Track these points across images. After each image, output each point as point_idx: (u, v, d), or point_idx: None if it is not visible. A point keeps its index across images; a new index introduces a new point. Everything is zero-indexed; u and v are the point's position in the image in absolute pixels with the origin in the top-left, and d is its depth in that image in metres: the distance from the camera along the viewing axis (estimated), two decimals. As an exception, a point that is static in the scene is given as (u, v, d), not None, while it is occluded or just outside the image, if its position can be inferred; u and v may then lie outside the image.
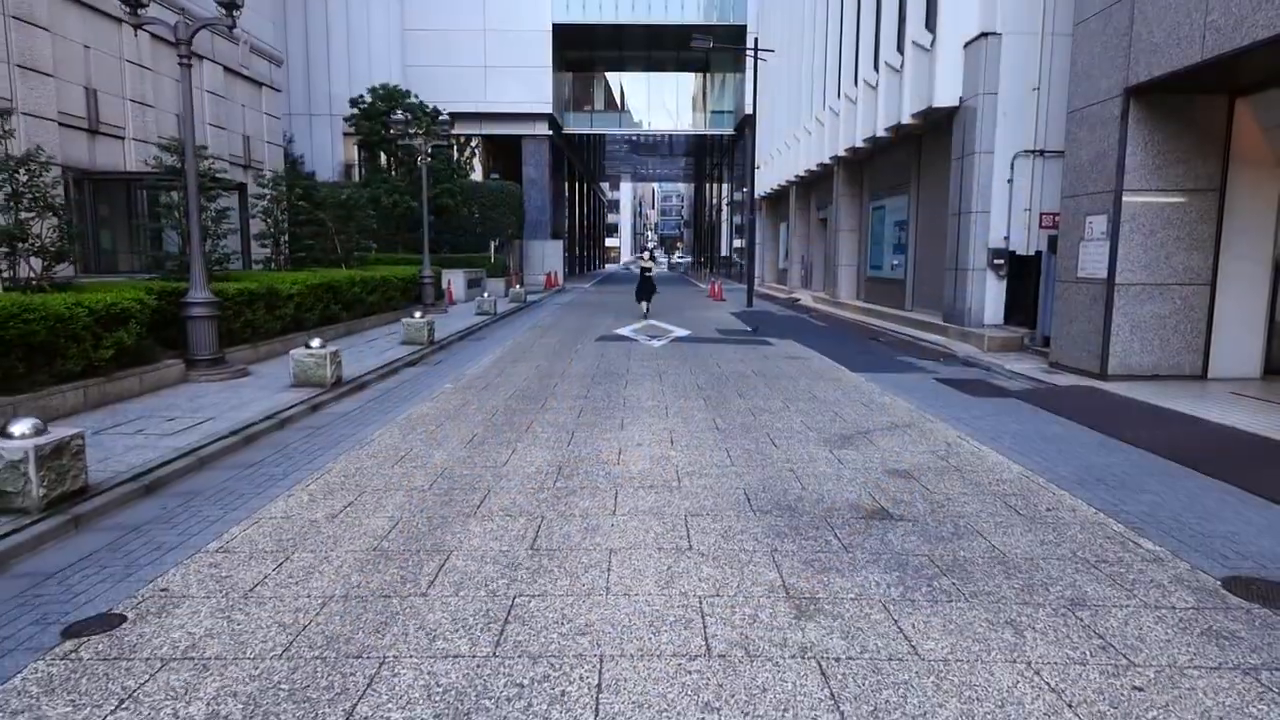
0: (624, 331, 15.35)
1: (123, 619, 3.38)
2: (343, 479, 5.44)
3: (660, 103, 47.53)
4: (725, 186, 47.35)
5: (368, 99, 23.10)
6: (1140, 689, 2.86)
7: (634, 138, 48.29)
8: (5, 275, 7.49)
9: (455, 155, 25.33)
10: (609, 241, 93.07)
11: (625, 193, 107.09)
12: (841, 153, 20.37)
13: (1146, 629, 3.33)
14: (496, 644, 3.16)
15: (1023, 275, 12.66)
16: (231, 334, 9.88)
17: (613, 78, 48.60)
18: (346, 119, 24.27)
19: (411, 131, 20.69)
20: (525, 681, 2.88)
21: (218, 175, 11.93)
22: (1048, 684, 2.89)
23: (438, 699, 2.76)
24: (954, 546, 4.24)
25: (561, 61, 37.36)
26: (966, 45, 13.27)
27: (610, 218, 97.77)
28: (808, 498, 5.07)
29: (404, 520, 4.59)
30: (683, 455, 6.08)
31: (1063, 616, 3.43)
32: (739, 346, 13.13)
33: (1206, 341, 9.38)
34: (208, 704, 2.73)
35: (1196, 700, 2.80)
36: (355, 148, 32.58)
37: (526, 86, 32.84)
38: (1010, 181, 12.80)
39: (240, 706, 2.71)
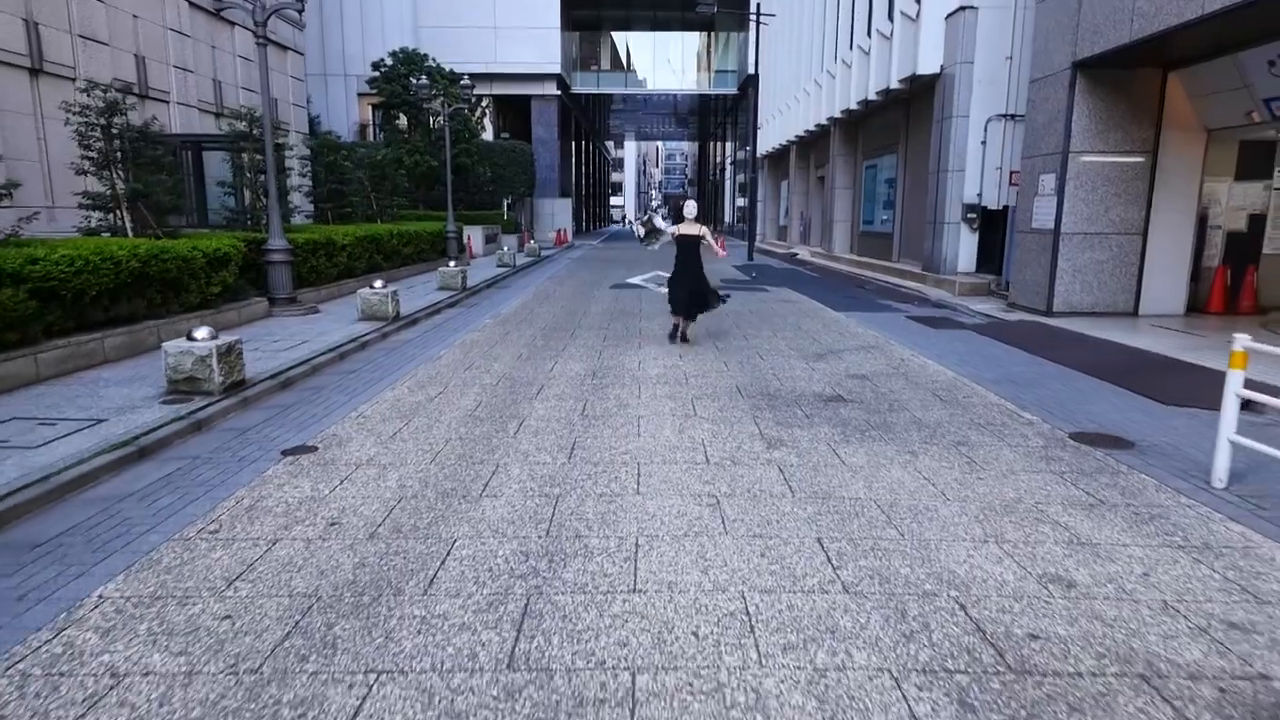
0: (635, 280, 16.91)
1: (314, 448, 5.04)
2: (428, 379, 7.09)
3: (665, 62, 48.11)
4: (729, 145, 48.30)
5: (388, 62, 24.25)
6: (981, 478, 4.51)
7: (639, 97, 49.03)
8: (132, 225, 9.04)
9: (469, 116, 26.51)
10: (613, 200, 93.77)
11: (629, 151, 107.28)
12: (837, 114, 21.62)
13: (1002, 455, 4.97)
14: (569, 456, 4.82)
15: (992, 228, 14.14)
16: (299, 278, 11.45)
17: (619, 37, 49.13)
18: (369, 81, 25.40)
19: (433, 93, 21.93)
20: (591, 473, 4.54)
21: (279, 142, 13.33)
22: (924, 476, 4.54)
23: (539, 480, 4.42)
24: (886, 416, 5.88)
25: (569, 21, 38.09)
26: (948, 17, 14.53)
27: (614, 176, 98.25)
28: (784, 389, 6.71)
29: (485, 401, 6.25)
30: (689, 365, 7.72)
31: (947, 449, 5.07)
32: (738, 293, 14.69)
33: (1138, 284, 10.92)
34: (395, 483, 4.39)
35: (1015, 483, 4.44)
36: (370, 108, 33.72)
37: (536, 47, 33.75)
38: (983, 143, 14.19)
39: (416, 483, 4.37)
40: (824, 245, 24.42)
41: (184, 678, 2.54)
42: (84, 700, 2.42)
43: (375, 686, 2.50)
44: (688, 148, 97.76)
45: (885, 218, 19.66)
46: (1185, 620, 2.93)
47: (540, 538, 3.65)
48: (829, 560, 3.41)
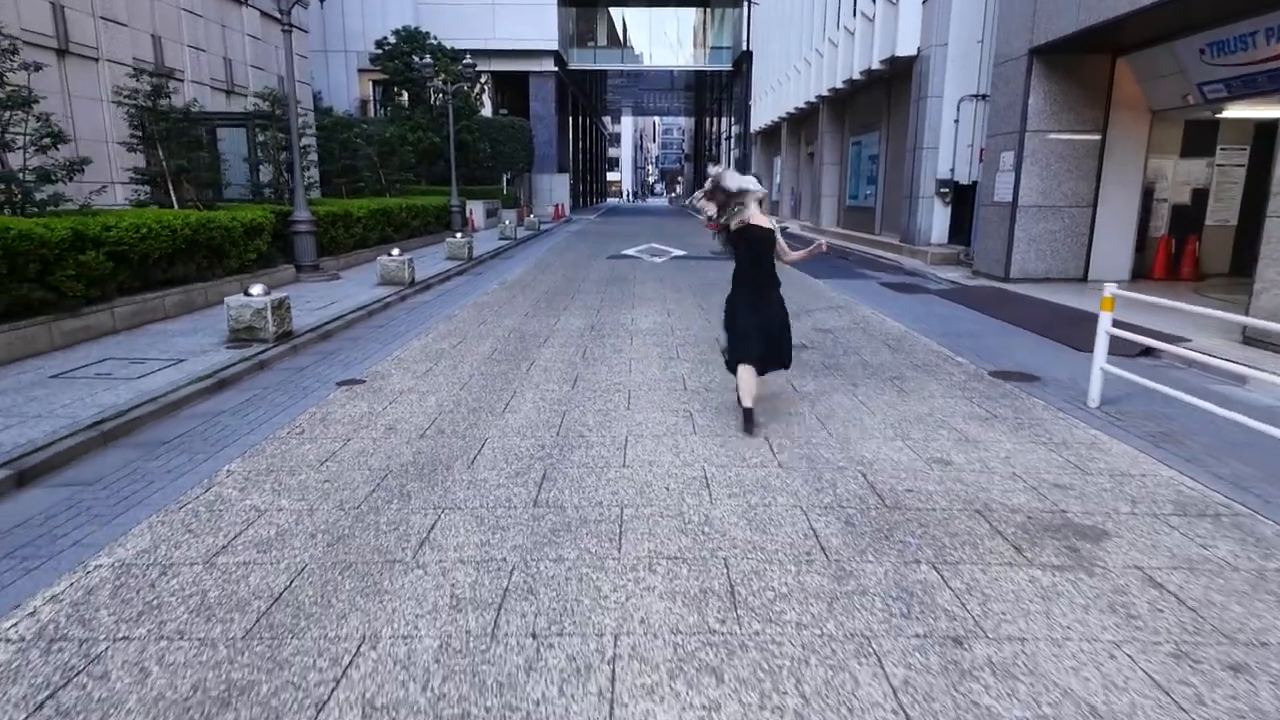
0: (630, 252, 17.92)
1: (363, 381, 6.12)
2: (448, 331, 8.16)
3: (661, 38, 48.64)
4: (725, 121, 48.93)
5: (391, 40, 24.96)
6: (905, 401, 5.60)
7: (635, 73, 49.56)
8: (173, 198, 10.03)
9: (469, 93, 27.25)
10: (610, 175, 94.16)
11: (626, 126, 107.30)
12: (825, 92, 22.48)
13: (928, 386, 6.06)
14: (573, 386, 5.91)
15: (963, 202, 15.14)
16: (320, 248, 12.45)
17: (615, 13, 49.57)
18: (371, 59, 26.11)
19: (435, 71, 22.71)
20: (591, 396, 5.62)
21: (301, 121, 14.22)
22: (859, 400, 5.63)
23: (549, 401, 5.51)
24: (839, 359, 6.96)
25: (566, -3, 38.62)
26: (924, 1, 15.39)
27: (611, 151, 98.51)
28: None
29: (500, 348, 7.32)
30: (676, 321, 8.79)
31: (884, 382, 6.16)
32: (727, 263, 15.69)
33: (1088, 252, 11.97)
34: (434, 404, 5.46)
35: (931, 404, 5.53)
36: (370, 84, 34.37)
37: (533, 24, 34.36)
38: (956, 121, 15.14)
39: (450, 403, 5.45)
40: (813, 219, 25.39)
41: (307, 511, 3.64)
42: (243, 521, 3.52)
43: (442, 515, 3.59)
44: (684, 122, 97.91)
45: (869, 192, 20.63)
46: (1023, 482, 4.04)
47: (552, 436, 4.74)
48: (771, 449, 4.51)
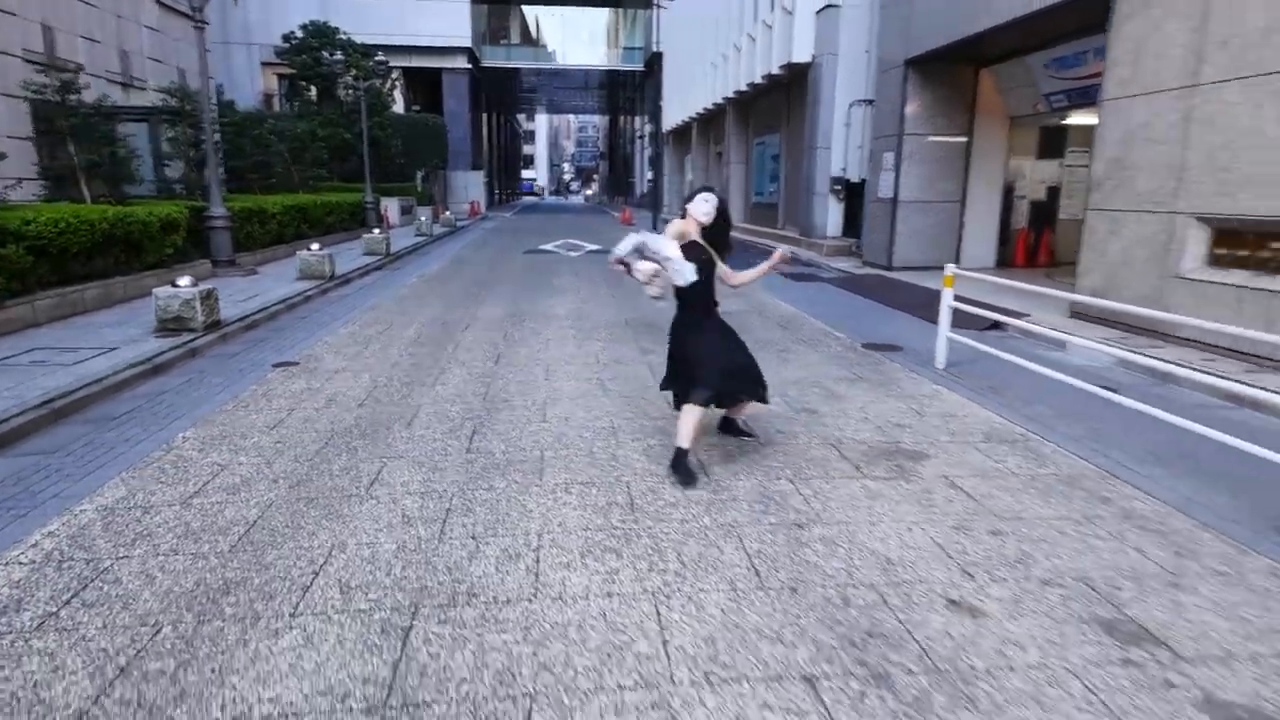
0: (547, 247, 18.51)
1: (297, 363, 6.56)
2: (374, 320, 8.60)
3: (575, 36, 49.16)
4: (639, 120, 49.88)
5: (299, 34, 24.60)
6: (787, 367, 6.49)
7: (549, 71, 49.91)
8: (86, 194, 10.02)
9: (381, 89, 27.07)
10: (525, 173, 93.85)
11: (541, 124, 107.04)
12: (731, 95, 23.62)
13: (808, 356, 6.99)
14: (496, 362, 6.54)
15: (855, 198, 16.44)
16: (236, 244, 12.52)
17: (528, 11, 49.74)
18: (278, 53, 25.62)
19: (347, 67, 22.60)
20: (513, 370, 6.27)
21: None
22: (748, 368, 6.48)
23: (475, 375, 6.12)
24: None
25: (477, -6, 38.60)
26: (818, 12, 16.61)
27: (526, 149, 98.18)
28: (661, 321, 8.54)
29: (425, 333, 7.85)
30: (590, 308, 9.50)
31: (772, 353, 7.05)
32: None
33: (959, 243, 13.37)
34: (368, 380, 5.99)
35: (809, 369, 6.44)
36: (275, 78, 33.53)
37: (445, 19, 34.28)
38: (847, 125, 16.43)
39: (384, 379, 5.99)
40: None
41: (265, 464, 4.17)
42: (209, 473, 4.02)
43: (387, 462, 4.20)
44: (599, 120, 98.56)
45: (772, 190, 21.87)
46: (871, 424, 4.95)
47: (479, 402, 5.38)
48: (671, 406, 5.28)
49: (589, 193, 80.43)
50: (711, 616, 2.71)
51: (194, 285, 7.52)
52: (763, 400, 4.29)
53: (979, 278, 7.87)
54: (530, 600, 2.80)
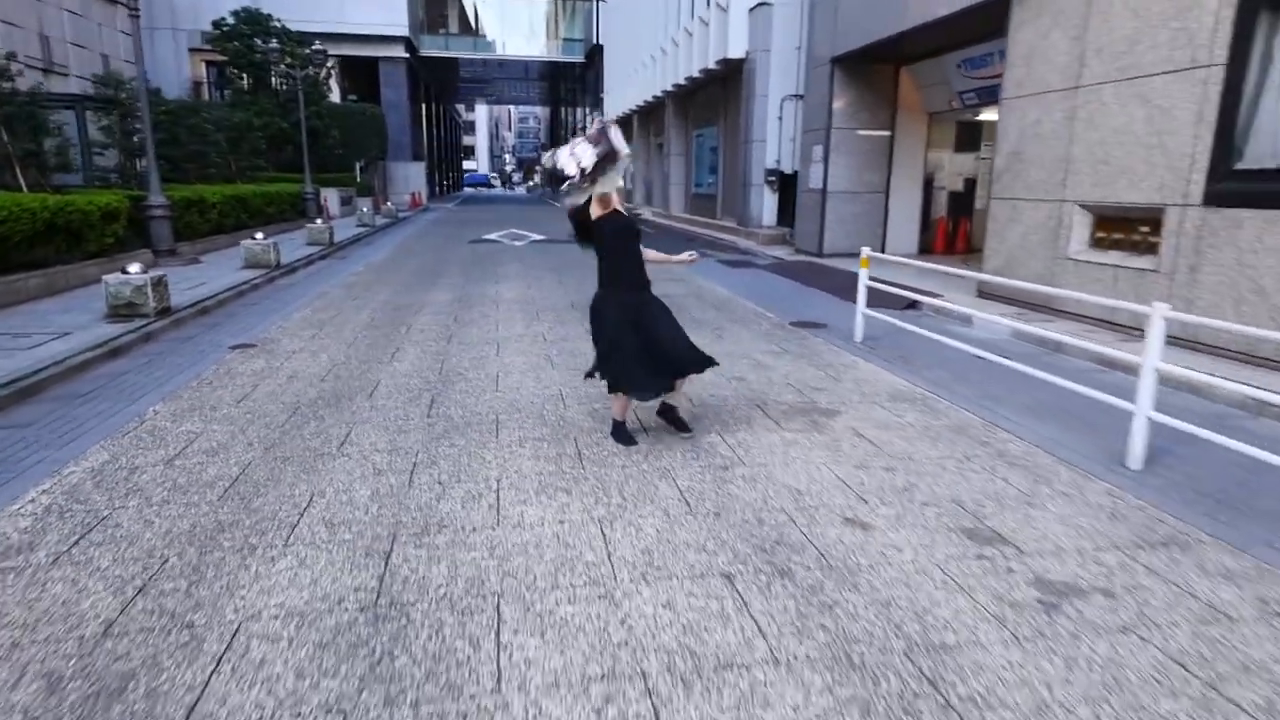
0: (491, 237, 18.76)
1: (254, 345, 6.82)
2: (325, 305, 8.85)
3: (514, 27, 48.97)
4: (580, 111, 50.04)
5: (230, 21, 24.07)
6: (720, 343, 7.06)
7: (489, 61, 49.60)
8: (21, 182, 9.91)
9: (317, 78, 26.66)
10: (466, 164, 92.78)
11: (481, 115, 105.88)
12: (670, 88, 24.16)
13: (740, 333, 7.57)
14: (449, 341, 6.92)
15: (789, 189, 17.19)
16: (176, 233, 12.46)
17: (467, 0, 49.25)
18: (209, 40, 24.99)
19: (282, 56, 22.27)
20: (465, 348, 6.67)
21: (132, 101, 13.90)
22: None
23: (429, 353, 6.50)
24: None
25: (414, -17, 38.14)
26: (751, 10, 17.25)
27: (466, 140, 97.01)
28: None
29: (377, 317, 8.16)
30: (536, 293, 9.92)
31: (707, 331, 7.61)
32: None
33: (884, 230, 14.22)
34: (327, 359, 6.30)
35: (740, 344, 7.02)
36: (204, 65, 32.59)
37: (382, 8, 33.82)
38: (780, 118, 17.15)
39: (342, 357, 6.32)
40: (663, 206, 27.14)
41: (239, 431, 4.50)
42: (185, 439, 4.34)
43: (354, 427, 4.58)
44: (540, 111, 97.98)
45: (710, 181, 22.53)
46: (793, 388, 5.55)
47: (435, 375, 5.78)
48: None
49: (531, 183, 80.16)
50: (648, 535, 3.22)
51: (144, 272, 7.66)
52: (698, 371, 4.31)
53: (902, 261, 8.60)
54: (493, 529, 3.27)
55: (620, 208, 4.22)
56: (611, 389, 4.22)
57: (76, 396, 5.27)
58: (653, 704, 2.19)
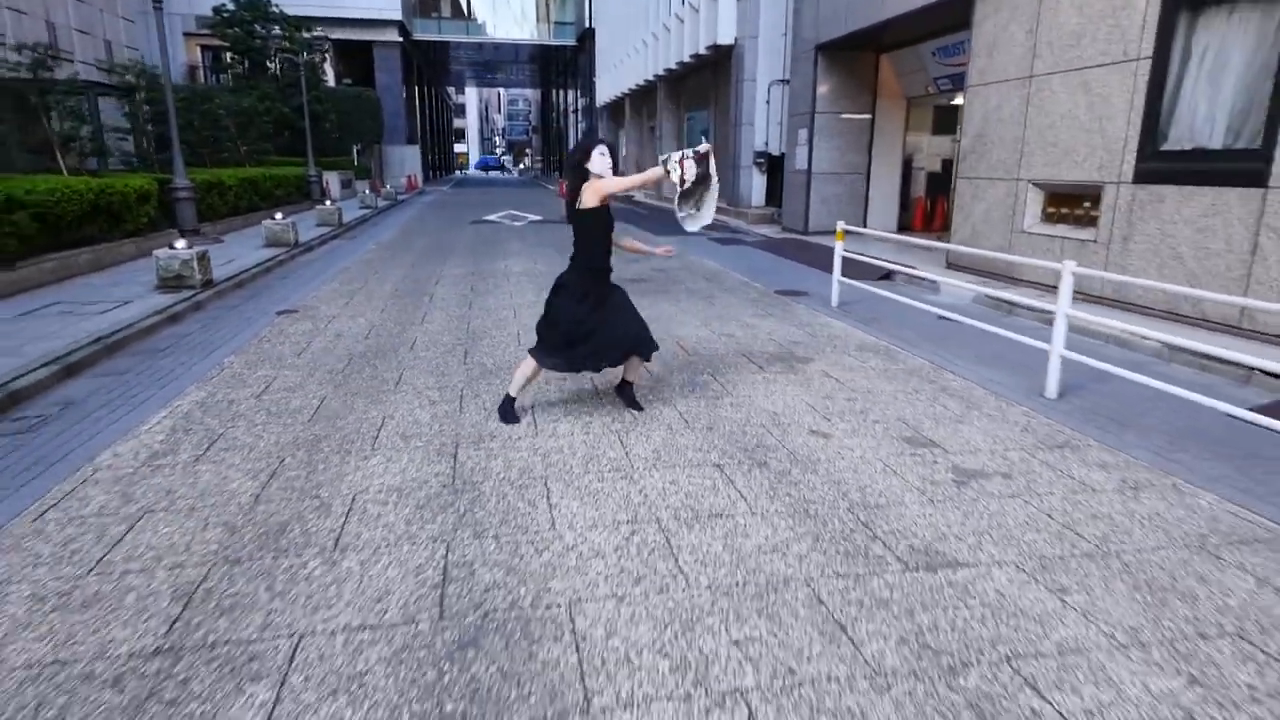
0: (491, 218, 19.52)
1: (296, 311, 7.64)
2: (349, 279, 9.66)
3: (505, 10, 49.20)
4: (572, 94, 50.48)
5: (231, 6, 24.51)
6: (712, 309, 7.93)
7: (481, 45, 49.89)
8: (62, 166, 10.62)
9: (315, 63, 27.14)
10: (457, 147, 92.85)
11: (471, 97, 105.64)
12: (661, 72, 24.83)
13: (729, 300, 8.44)
14: (469, 307, 7.77)
15: (776, 170, 18.00)
16: (198, 214, 13.19)
17: (457, -17, 49.38)
18: (208, 25, 25.41)
19: (281, 39, 22.80)
20: (485, 313, 7.51)
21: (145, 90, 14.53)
22: (680, 308, 7.89)
23: (453, 317, 7.34)
24: (668, 286, 9.23)
25: (406, -33, 38.42)
26: (739, -2, 17.98)
27: (457, 122, 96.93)
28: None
29: (400, 288, 8.98)
30: (542, 266, 10.75)
31: (699, 299, 8.47)
32: (580, 225, 17.74)
33: (865, 210, 15.08)
34: (364, 322, 7.14)
35: (730, 309, 7.89)
36: (199, 49, 32.96)
37: (375, -8, 34.20)
38: (768, 102, 17.93)
39: (378, 321, 7.15)
40: (655, 188, 27.87)
41: (308, 374, 5.35)
42: (264, 381, 5.18)
43: (404, 371, 5.43)
44: (530, 94, 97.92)
45: (702, 163, 23.27)
46: (775, 342, 6.43)
47: (464, 334, 6.63)
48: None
49: (524, 165, 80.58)
50: (656, 441, 4.11)
51: (190, 248, 8.45)
52: (642, 356, 4.43)
53: (878, 235, 9.46)
54: (534, 438, 4.15)
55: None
56: (532, 350, 4.34)
57: (155, 352, 6.09)
58: (665, 536, 3.08)
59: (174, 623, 2.49)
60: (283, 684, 2.20)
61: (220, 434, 4.20)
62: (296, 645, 2.38)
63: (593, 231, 4.23)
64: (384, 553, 2.94)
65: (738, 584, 2.74)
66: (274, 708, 2.11)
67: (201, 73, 32.91)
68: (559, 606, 2.59)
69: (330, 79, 33.73)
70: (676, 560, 2.90)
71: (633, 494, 3.46)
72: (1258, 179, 6.02)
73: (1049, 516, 3.31)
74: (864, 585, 2.74)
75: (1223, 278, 6.34)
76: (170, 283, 8.30)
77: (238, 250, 11.80)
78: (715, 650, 2.37)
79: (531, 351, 4.35)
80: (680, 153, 4.04)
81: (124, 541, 3.02)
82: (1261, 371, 5.29)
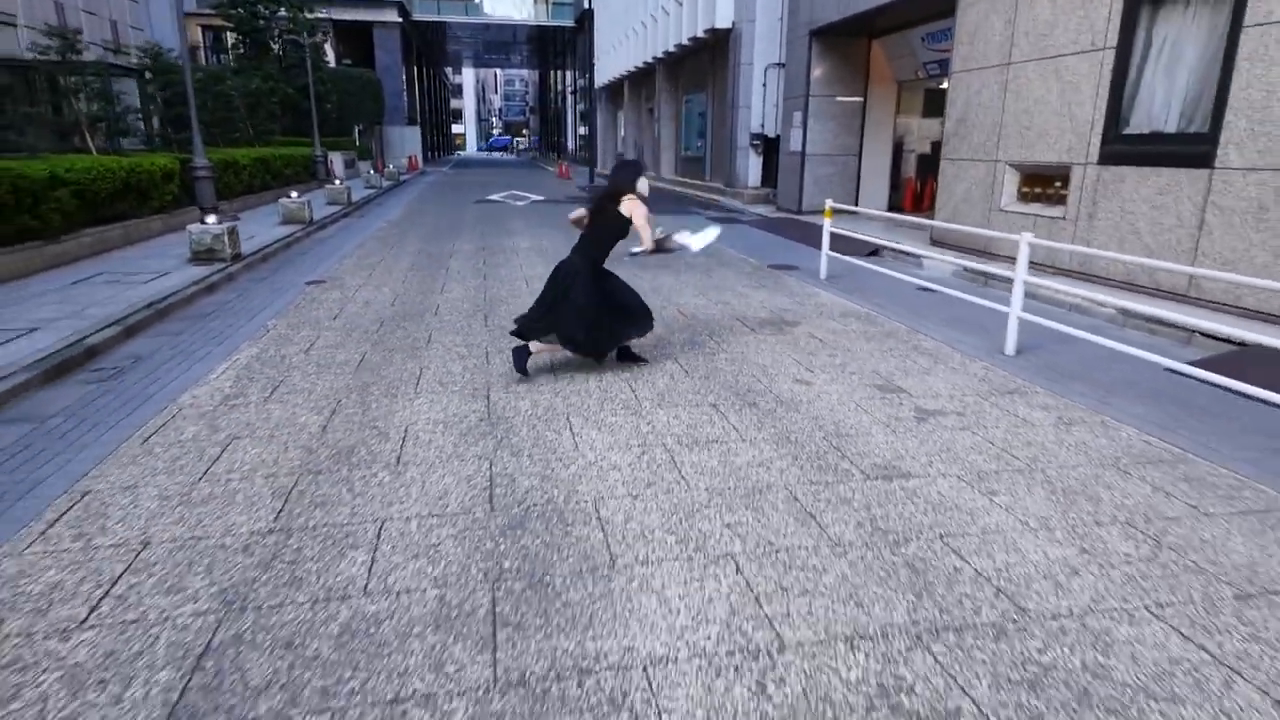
0: (494, 197, 20.04)
1: (324, 281, 8.23)
2: (366, 253, 10.24)
3: (503, -11, 49.10)
4: (569, 75, 50.64)
5: (234, -11, 24.78)
6: (710, 281, 8.53)
7: (480, 26, 49.95)
8: (91, 146, 11.14)
9: (318, 44, 27.43)
10: (455, 128, 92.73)
11: (468, 78, 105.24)
12: (660, 54, 25.22)
13: (725, 273, 9.04)
14: (484, 279, 8.37)
15: (772, 152, 18.52)
16: (215, 192, 13.70)
17: (455, -37, 49.35)
18: (213, 6, 25.70)
19: (286, 21, 23.14)
20: (498, 284, 8.11)
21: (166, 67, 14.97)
22: (680, 280, 8.50)
23: (469, 287, 7.94)
24: (670, 262, 9.80)
25: (405, -54, 38.51)
26: (737, -18, 18.39)
27: (454, 103, 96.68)
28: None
29: (416, 262, 9.57)
30: (547, 243, 11.33)
31: (698, 272, 9.07)
32: (579, 204, 18.27)
33: (857, 190, 15.64)
34: (389, 291, 7.73)
35: (726, 281, 8.50)
36: (199, 29, 33.20)
37: (375, -27, 34.36)
38: (764, 85, 18.41)
39: (401, 290, 7.74)
40: (654, 169, 28.35)
41: (345, 334, 5.96)
42: (309, 340, 5.79)
43: (432, 332, 6.05)
44: (528, 74, 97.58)
45: (699, 144, 23.78)
46: (766, 309, 7.05)
47: (482, 300, 7.24)
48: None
49: (522, 146, 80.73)
50: (660, 386, 4.74)
51: (220, 224, 9.02)
52: (641, 335, 5.12)
53: (868, 213, 10.04)
54: (554, 384, 4.78)
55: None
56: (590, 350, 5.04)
57: (201, 316, 6.69)
58: (670, 455, 3.72)
59: (279, 513, 3.12)
60: (375, 551, 2.84)
61: (280, 381, 4.82)
62: (380, 528, 3.01)
63: (614, 233, 5.22)
64: (438, 467, 3.57)
65: (729, 488, 3.38)
66: (372, 565, 2.75)
67: (203, 53, 33.16)
68: (586, 502, 3.23)
69: (331, 60, 33.98)
70: (680, 471, 3.54)
71: (642, 426, 4.10)
72: (1205, 160, 6.62)
73: (990, 443, 3.95)
74: (832, 489, 3.39)
75: (1174, 250, 6.97)
76: (202, 256, 8.88)
77: (255, 227, 12.34)
78: (710, 530, 3.01)
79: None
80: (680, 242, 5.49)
81: (221, 459, 3.65)
82: (1200, 333, 5.94)
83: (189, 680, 2.15)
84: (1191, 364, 4.87)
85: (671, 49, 23.62)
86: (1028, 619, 2.47)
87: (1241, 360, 5.35)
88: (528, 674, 2.19)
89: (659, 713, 2.04)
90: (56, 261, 8.44)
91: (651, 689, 2.13)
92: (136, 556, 2.79)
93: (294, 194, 12.94)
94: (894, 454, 3.78)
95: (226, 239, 8.93)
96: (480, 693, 2.12)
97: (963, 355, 5.61)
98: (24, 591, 2.57)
